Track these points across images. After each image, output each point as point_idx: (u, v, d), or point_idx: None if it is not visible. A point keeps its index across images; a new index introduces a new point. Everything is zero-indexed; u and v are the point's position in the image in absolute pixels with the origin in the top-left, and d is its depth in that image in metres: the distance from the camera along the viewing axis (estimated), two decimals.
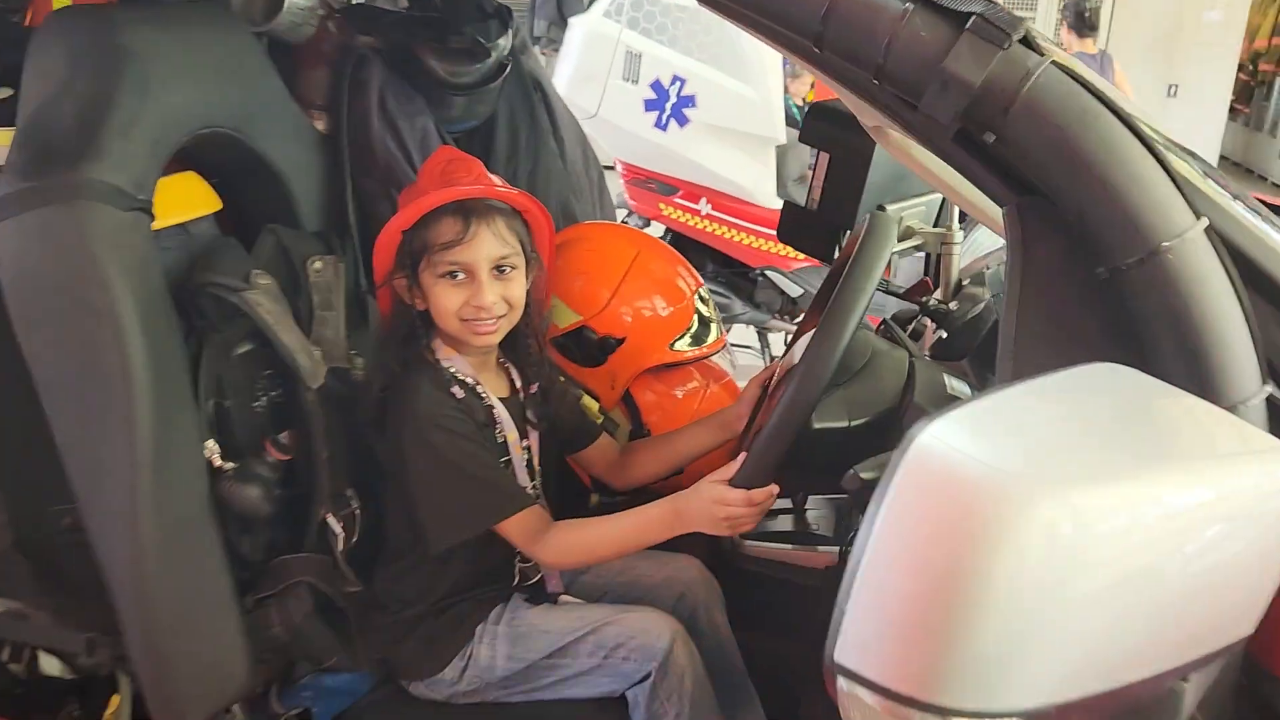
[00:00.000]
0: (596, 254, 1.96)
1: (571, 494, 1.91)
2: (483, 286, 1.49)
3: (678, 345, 1.93)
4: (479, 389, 1.56)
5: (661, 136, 4.60)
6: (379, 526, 1.64)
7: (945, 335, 1.66)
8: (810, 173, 1.83)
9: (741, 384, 1.84)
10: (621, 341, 1.90)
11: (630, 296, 1.91)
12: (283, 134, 1.73)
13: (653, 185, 4.71)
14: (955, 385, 1.41)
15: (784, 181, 4.74)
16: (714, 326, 1.98)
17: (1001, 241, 1.19)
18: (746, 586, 1.90)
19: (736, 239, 4.68)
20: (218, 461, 1.46)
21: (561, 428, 1.74)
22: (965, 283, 1.75)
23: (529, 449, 1.64)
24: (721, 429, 1.73)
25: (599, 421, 1.94)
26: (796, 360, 1.41)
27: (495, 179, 1.55)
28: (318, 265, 1.64)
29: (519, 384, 1.66)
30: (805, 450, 1.28)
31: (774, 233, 4.70)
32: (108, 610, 1.37)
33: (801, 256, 4.64)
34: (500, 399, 1.59)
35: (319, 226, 1.77)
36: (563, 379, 1.76)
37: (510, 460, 1.57)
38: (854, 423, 1.31)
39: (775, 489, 1.32)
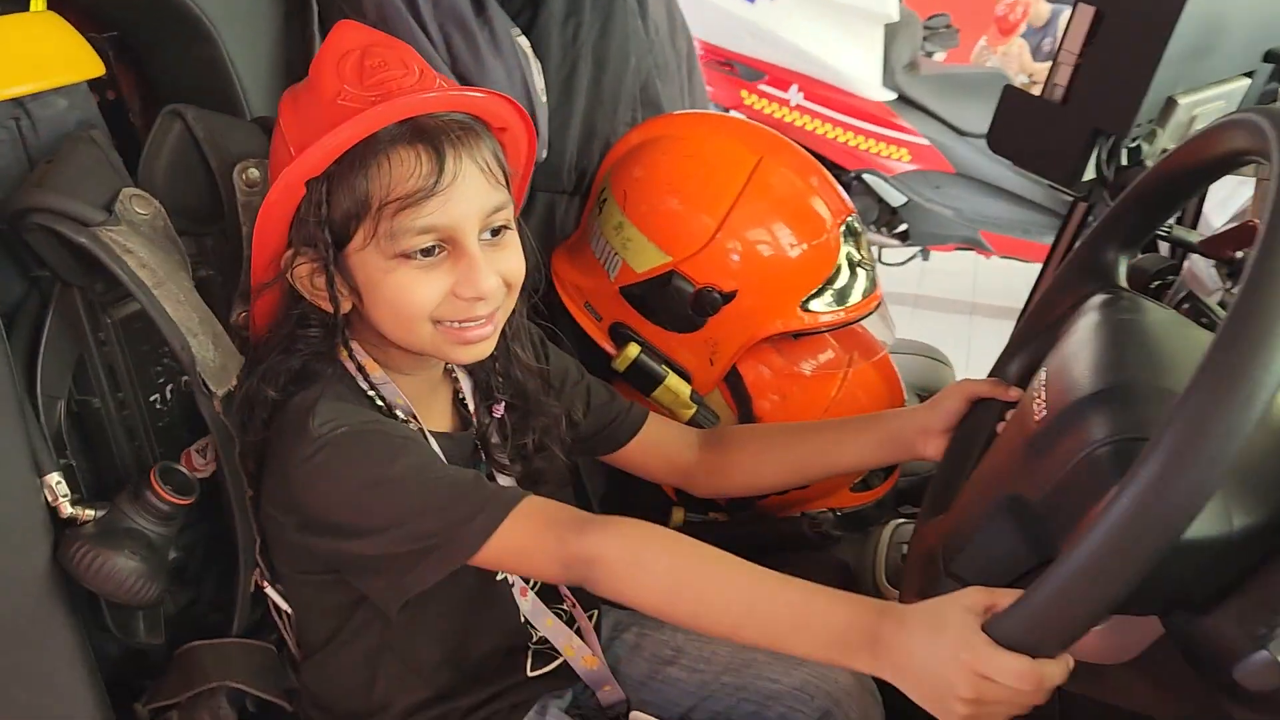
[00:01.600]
0: (695, 162, 1.30)
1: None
2: (476, 263, 0.87)
3: (813, 304, 1.28)
4: (412, 426, 0.95)
5: (748, 9, 3.91)
6: None
7: None
8: (1057, 42, 1.13)
9: None
10: (730, 297, 1.26)
11: (746, 228, 1.26)
12: None
13: (734, 69, 4.01)
14: None
15: (892, 68, 3.99)
16: (864, 275, 1.32)
17: None
18: None
19: (831, 135, 3.96)
20: (67, 510, 0.86)
21: (581, 434, 1.14)
22: None
23: None
24: (892, 444, 1.10)
25: (691, 412, 1.31)
26: (1083, 381, 0.76)
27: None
28: (254, 174, 1.00)
29: (472, 404, 1.04)
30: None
31: (875, 129, 4.01)
32: None
33: (908, 159, 3.92)
34: (437, 434, 0.98)
35: (267, 111, 1.13)
36: (552, 371, 1.14)
37: None
38: (1239, 524, 0.66)
39: (1071, 662, 0.69)
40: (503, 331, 0.99)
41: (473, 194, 0.86)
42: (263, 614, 1.05)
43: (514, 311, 1.00)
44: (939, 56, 4.84)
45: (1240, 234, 1.04)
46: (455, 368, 1.04)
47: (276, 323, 0.94)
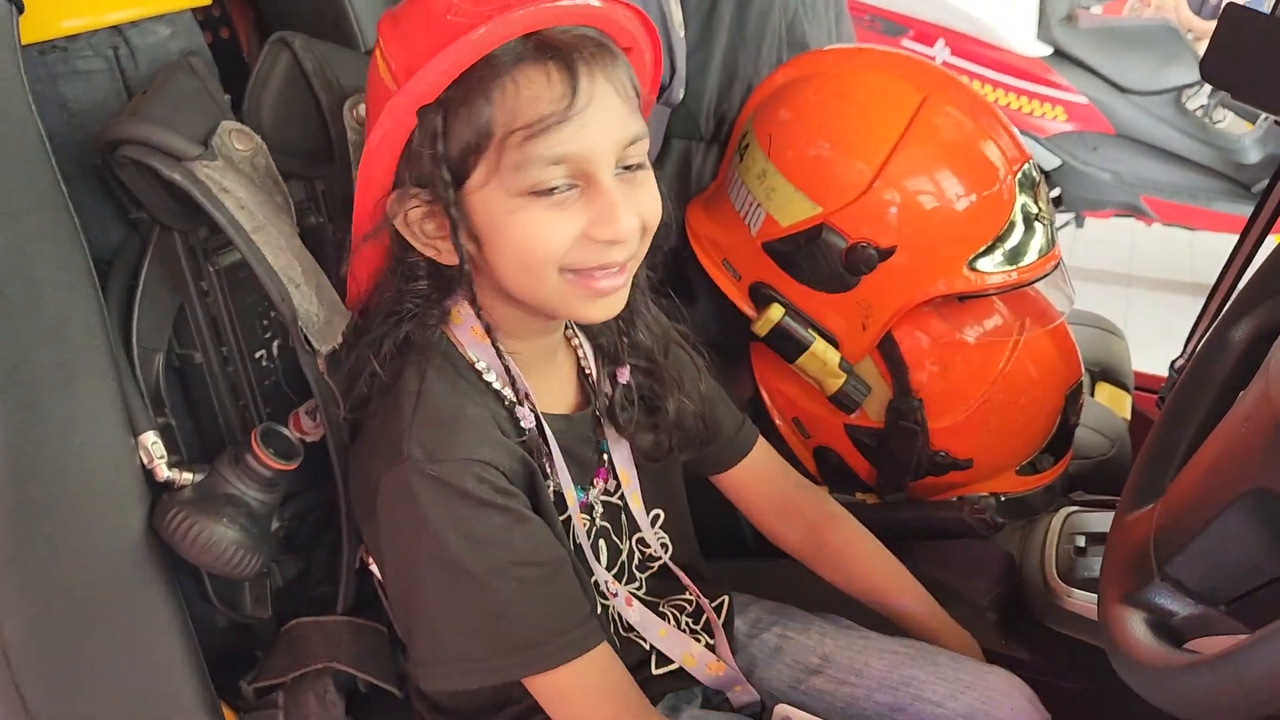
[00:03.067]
0: (851, 102, 1.16)
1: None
2: (613, 199, 0.75)
3: (981, 263, 1.13)
4: (520, 410, 0.84)
5: None
6: None
7: None
8: None
9: None
10: (888, 253, 1.12)
11: (907, 176, 1.11)
12: None
13: (875, 23, 3.78)
14: None
15: (1048, 21, 3.70)
16: (1041, 231, 1.16)
17: None
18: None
19: (980, 94, 3.71)
20: (163, 473, 0.79)
21: (683, 433, 0.98)
22: None
23: (618, 493, 0.93)
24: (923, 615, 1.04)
25: (839, 382, 1.18)
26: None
27: None
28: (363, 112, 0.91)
29: (592, 371, 0.92)
30: None
31: (1028, 86, 3.75)
32: None
33: (1064, 118, 3.65)
34: (559, 417, 0.87)
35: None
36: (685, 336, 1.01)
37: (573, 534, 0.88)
38: None
39: None
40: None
41: (610, 121, 0.75)
42: (373, 592, 0.97)
43: (640, 265, 0.89)
44: (1096, 9, 4.51)
45: None
46: (578, 333, 0.94)
47: (383, 279, 0.85)
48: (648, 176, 0.80)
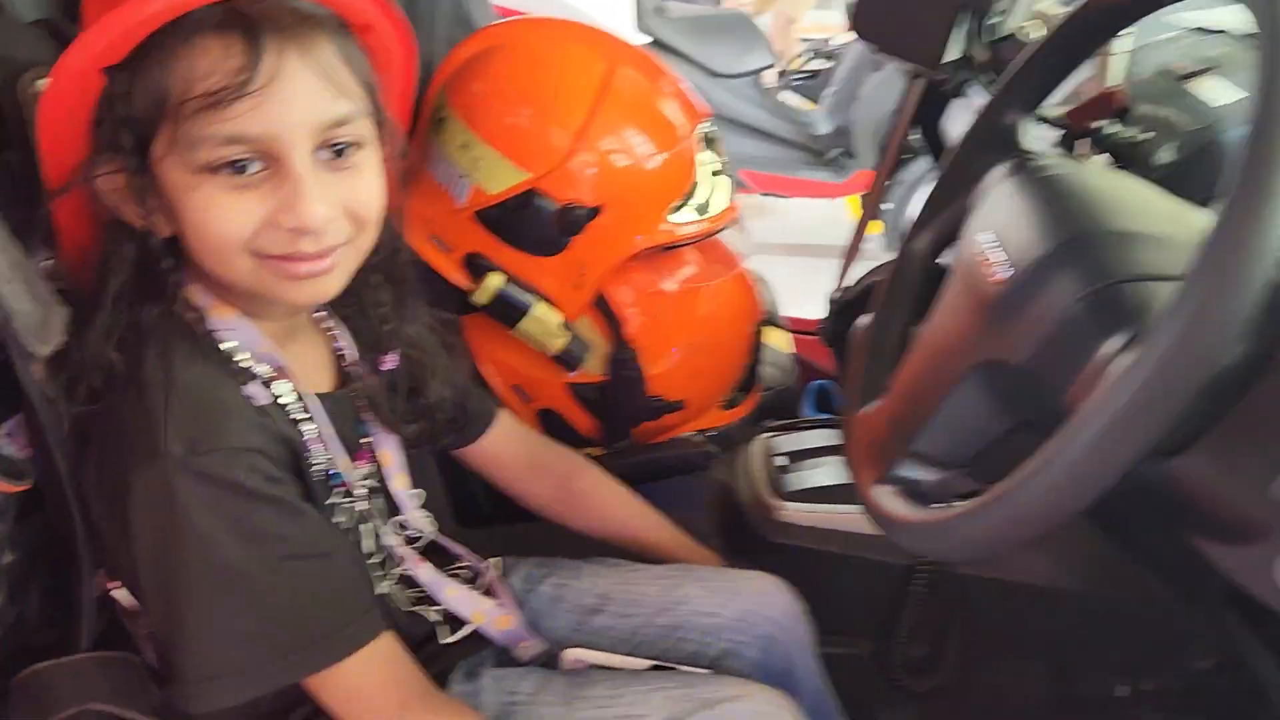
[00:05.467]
0: (544, 70, 1.20)
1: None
2: (302, 184, 0.72)
3: (676, 216, 1.22)
4: (278, 386, 0.80)
5: None
6: None
7: None
8: None
9: None
10: (595, 212, 1.17)
11: (605, 139, 1.18)
12: None
13: None
14: None
15: (644, 12, 3.98)
16: (725, 184, 1.28)
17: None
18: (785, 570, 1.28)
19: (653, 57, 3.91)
20: None
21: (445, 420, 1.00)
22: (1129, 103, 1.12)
23: (378, 475, 0.92)
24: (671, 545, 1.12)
25: (562, 341, 1.22)
26: (1038, 238, 0.75)
27: None
28: (44, 85, 0.81)
29: (350, 355, 0.91)
30: None
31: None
32: None
33: None
34: (319, 395, 0.85)
35: (47, 13, 0.93)
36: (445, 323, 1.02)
37: (339, 517, 0.85)
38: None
39: None
40: (385, 272, 0.86)
41: (301, 99, 0.71)
42: (108, 621, 0.87)
43: (396, 251, 0.88)
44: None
45: (1098, 104, 1.07)
46: (327, 314, 0.90)
47: (96, 260, 0.77)
48: (366, 161, 0.78)
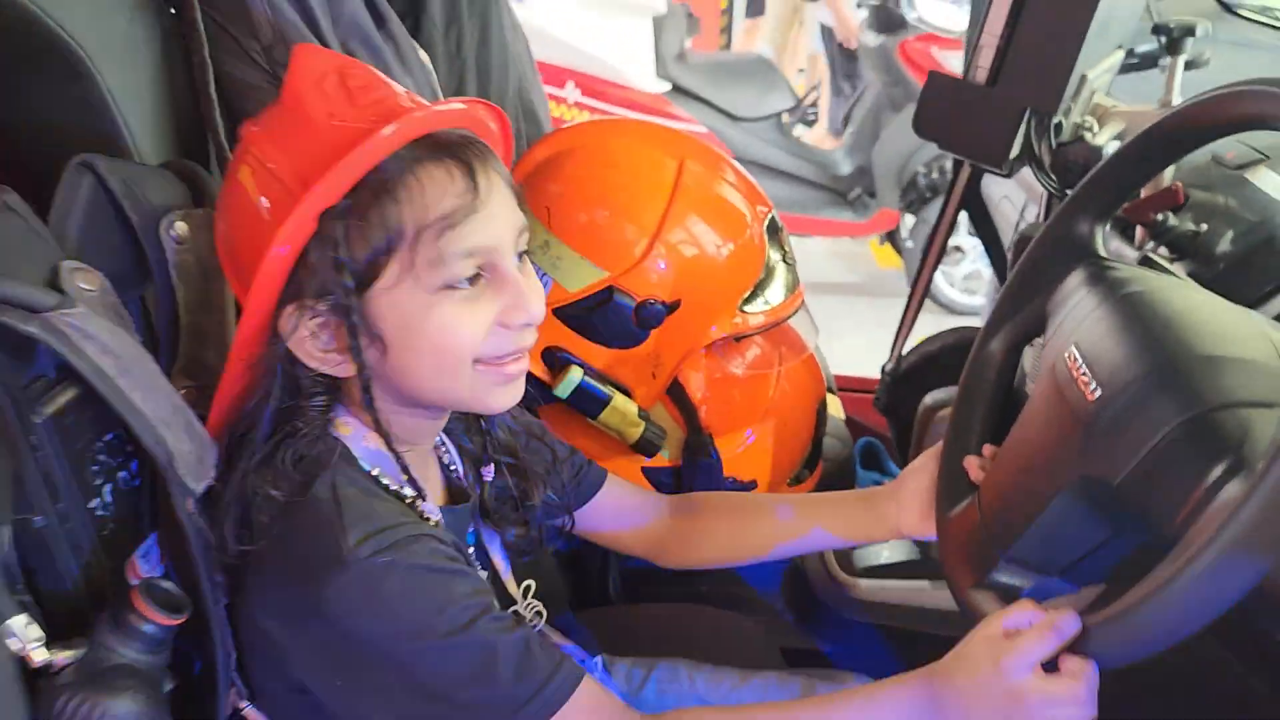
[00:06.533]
0: (618, 171, 1.25)
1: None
2: (521, 284, 0.80)
3: (750, 306, 1.26)
4: (427, 506, 0.85)
5: (517, 7, 3.80)
6: None
7: (1197, 274, 1.09)
8: (979, 23, 1.16)
9: None
10: (674, 307, 1.22)
11: (680, 235, 1.22)
12: None
13: None
14: None
15: (664, 59, 4.04)
16: (788, 272, 1.32)
17: None
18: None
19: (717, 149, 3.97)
20: (38, 658, 0.71)
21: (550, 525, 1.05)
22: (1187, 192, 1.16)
23: (493, 575, 0.98)
24: (867, 518, 1.07)
25: (640, 430, 1.26)
26: (1131, 359, 0.79)
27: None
28: (181, 228, 0.86)
29: (458, 469, 0.96)
30: None
31: (653, 120, 4.07)
32: None
33: None
34: (444, 509, 0.89)
35: (165, 155, 0.98)
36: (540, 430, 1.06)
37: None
38: None
39: None
40: None
41: (505, 211, 0.79)
42: None
43: None
44: (687, 43, 4.97)
45: (1162, 198, 1.11)
46: (442, 436, 0.95)
47: (256, 401, 0.81)
48: (529, 265, 0.84)
